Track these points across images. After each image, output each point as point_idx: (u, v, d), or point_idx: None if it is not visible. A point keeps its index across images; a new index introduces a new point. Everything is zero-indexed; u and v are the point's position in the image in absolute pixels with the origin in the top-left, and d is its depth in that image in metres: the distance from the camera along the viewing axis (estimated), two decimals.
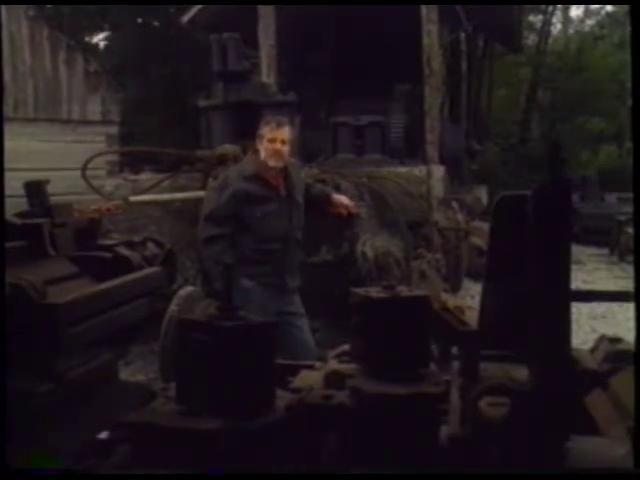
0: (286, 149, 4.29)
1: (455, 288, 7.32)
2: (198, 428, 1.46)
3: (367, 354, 1.51)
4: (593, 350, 1.67)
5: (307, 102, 8.65)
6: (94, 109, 11.25)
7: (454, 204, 7.63)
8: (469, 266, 8.27)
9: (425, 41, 8.97)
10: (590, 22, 29.05)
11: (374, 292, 1.52)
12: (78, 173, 5.61)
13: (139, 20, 16.69)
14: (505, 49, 16.55)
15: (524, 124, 21.32)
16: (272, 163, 4.26)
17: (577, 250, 11.95)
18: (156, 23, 16.81)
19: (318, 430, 1.47)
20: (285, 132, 4.29)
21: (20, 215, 1.98)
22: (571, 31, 27.82)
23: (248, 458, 1.43)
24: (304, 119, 9.01)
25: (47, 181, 2.14)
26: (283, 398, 1.57)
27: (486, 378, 1.41)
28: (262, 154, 4.28)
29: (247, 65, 7.32)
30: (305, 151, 7.83)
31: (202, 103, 7.39)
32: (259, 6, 9.34)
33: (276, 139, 4.24)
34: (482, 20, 11.28)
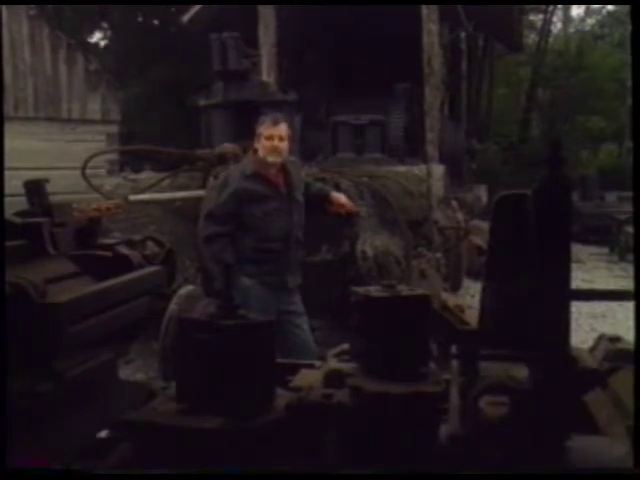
0: (284, 145, 4.30)
1: (455, 287, 7.32)
2: (198, 427, 1.46)
3: (367, 353, 1.51)
4: (593, 349, 1.67)
5: (307, 101, 8.65)
6: (94, 108, 11.24)
7: (454, 203, 7.62)
8: (469, 265, 8.27)
9: (425, 40, 8.96)
10: (591, 21, 29.10)
11: (374, 291, 1.52)
12: (78, 172, 5.60)
13: (139, 19, 16.68)
14: (505, 48, 16.52)
15: (524, 123, 21.29)
16: (271, 159, 4.27)
17: (577, 249, 11.95)
18: (156, 22, 16.80)
19: (318, 429, 1.47)
20: (282, 129, 4.30)
21: (20, 214, 1.98)
22: (572, 30, 27.80)
23: (248, 457, 1.43)
24: (304, 118, 9.01)
25: (47, 180, 2.14)
26: (283, 397, 1.57)
27: (486, 377, 1.41)
28: (260, 152, 4.30)
29: (247, 64, 7.31)
30: (305, 150, 7.83)
31: (202, 102, 7.39)
32: (259, 6, 9.33)
33: (273, 136, 4.25)
34: (482, 19, 11.26)
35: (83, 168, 5.54)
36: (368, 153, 8.46)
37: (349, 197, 4.90)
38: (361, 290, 1.54)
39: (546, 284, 1.34)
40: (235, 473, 1.39)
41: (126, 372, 4.02)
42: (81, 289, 1.73)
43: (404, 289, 1.53)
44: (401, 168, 6.76)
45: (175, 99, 13.88)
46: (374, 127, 8.66)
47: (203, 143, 7.11)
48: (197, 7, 10.85)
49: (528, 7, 20.12)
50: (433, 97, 9.10)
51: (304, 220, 4.46)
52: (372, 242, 5.29)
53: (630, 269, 8.83)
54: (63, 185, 5.60)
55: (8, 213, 1.87)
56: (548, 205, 1.34)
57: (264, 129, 4.29)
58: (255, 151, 4.38)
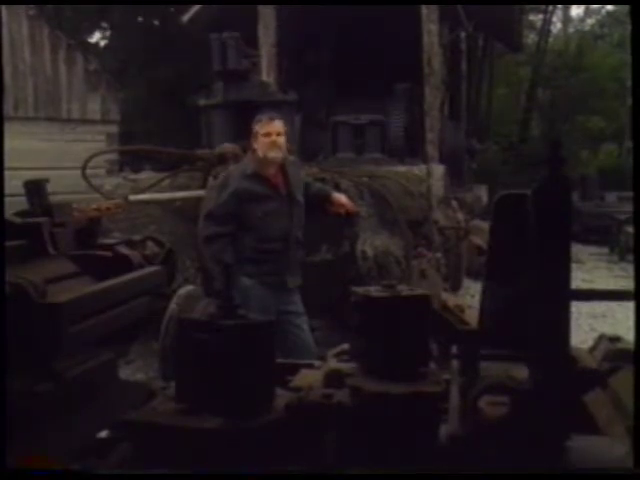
0: (282, 140, 4.31)
1: (455, 287, 7.32)
2: (198, 427, 1.46)
3: (367, 353, 1.51)
4: (593, 349, 1.67)
5: (307, 101, 8.64)
6: (94, 108, 11.23)
7: (454, 203, 7.62)
8: (469, 265, 8.27)
9: (425, 40, 8.96)
10: (590, 21, 29.09)
11: (374, 291, 1.53)
12: (78, 172, 5.60)
13: (139, 19, 16.68)
14: (505, 48, 16.52)
15: (524, 123, 21.29)
16: (271, 155, 4.27)
17: (577, 249, 11.94)
18: (156, 22, 16.80)
19: (318, 429, 1.47)
20: (278, 125, 4.32)
21: (20, 214, 1.98)
22: (571, 30, 27.81)
23: (248, 457, 1.43)
24: (304, 118, 9.01)
25: (47, 180, 2.14)
26: (283, 397, 1.57)
27: (486, 377, 1.41)
28: (259, 151, 4.30)
29: (247, 64, 7.30)
30: (305, 150, 7.83)
31: (202, 102, 7.38)
32: (259, 6, 9.33)
33: (271, 132, 4.27)
34: (482, 19, 11.26)
35: (83, 168, 5.54)
36: (368, 153, 8.46)
37: (349, 197, 4.91)
38: (361, 290, 1.54)
39: (546, 284, 1.34)
40: (235, 473, 1.39)
41: (126, 372, 4.02)
42: (81, 289, 1.73)
43: (404, 289, 1.53)
44: (401, 168, 6.76)
45: (175, 99, 13.87)
46: (374, 127, 8.66)
47: (203, 143, 7.10)
48: (197, 7, 10.84)
49: (528, 7, 20.11)
50: (433, 97, 9.09)
51: (304, 220, 4.46)
52: (372, 242, 5.29)
53: (630, 269, 8.83)
54: (63, 185, 5.59)
55: (8, 213, 1.87)
56: (548, 205, 1.34)
57: (260, 127, 4.30)
58: (254, 151, 4.38)
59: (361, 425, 1.42)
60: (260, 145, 4.29)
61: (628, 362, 1.49)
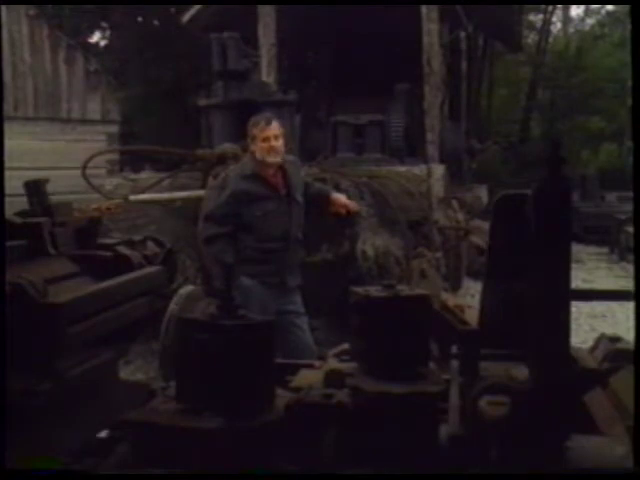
0: (280, 144, 4.31)
1: (455, 287, 7.32)
2: (198, 427, 1.46)
3: (367, 353, 1.51)
4: (593, 349, 1.67)
5: (307, 101, 8.67)
6: (94, 108, 11.23)
7: (454, 203, 7.63)
8: (469, 265, 8.28)
9: (425, 40, 8.97)
10: (590, 21, 29.05)
11: (374, 291, 1.53)
12: (78, 172, 5.61)
13: (139, 19, 16.68)
14: (505, 48, 16.55)
15: (524, 123, 21.29)
16: (270, 160, 4.27)
17: (577, 249, 11.94)
18: (156, 22, 16.80)
19: (318, 429, 1.47)
20: (276, 127, 4.32)
21: (20, 214, 1.98)
22: (571, 30, 27.79)
23: (248, 457, 1.43)
24: (304, 118, 9.02)
25: (47, 180, 2.14)
26: (283, 397, 1.57)
27: (486, 377, 1.41)
28: (258, 154, 4.30)
29: (247, 64, 7.31)
30: (305, 150, 7.84)
31: (202, 102, 7.39)
32: (259, 6, 9.34)
33: (269, 137, 4.26)
34: (482, 19, 11.27)
35: (83, 168, 5.54)
36: (368, 153, 8.47)
37: (349, 197, 4.90)
38: (361, 290, 1.54)
39: (546, 284, 1.34)
40: (236, 473, 1.39)
41: (126, 372, 4.02)
42: (81, 289, 1.73)
43: (404, 289, 1.53)
44: (401, 168, 6.77)
45: (175, 99, 13.88)
46: (374, 127, 8.67)
47: (203, 143, 7.11)
48: (197, 7, 10.86)
49: (528, 7, 20.11)
50: (433, 97, 9.10)
51: (304, 220, 4.46)
52: (372, 242, 5.29)
53: (630, 269, 8.84)
54: (63, 185, 5.59)
55: (8, 213, 1.87)
56: (548, 205, 1.34)
57: (259, 131, 4.29)
58: (252, 153, 4.38)
59: (361, 425, 1.42)
60: (259, 149, 4.29)
61: (628, 362, 1.49)
